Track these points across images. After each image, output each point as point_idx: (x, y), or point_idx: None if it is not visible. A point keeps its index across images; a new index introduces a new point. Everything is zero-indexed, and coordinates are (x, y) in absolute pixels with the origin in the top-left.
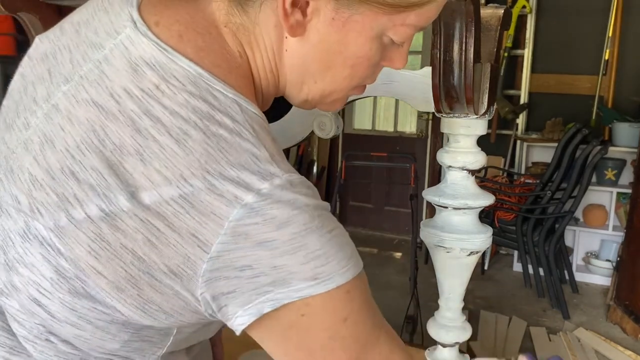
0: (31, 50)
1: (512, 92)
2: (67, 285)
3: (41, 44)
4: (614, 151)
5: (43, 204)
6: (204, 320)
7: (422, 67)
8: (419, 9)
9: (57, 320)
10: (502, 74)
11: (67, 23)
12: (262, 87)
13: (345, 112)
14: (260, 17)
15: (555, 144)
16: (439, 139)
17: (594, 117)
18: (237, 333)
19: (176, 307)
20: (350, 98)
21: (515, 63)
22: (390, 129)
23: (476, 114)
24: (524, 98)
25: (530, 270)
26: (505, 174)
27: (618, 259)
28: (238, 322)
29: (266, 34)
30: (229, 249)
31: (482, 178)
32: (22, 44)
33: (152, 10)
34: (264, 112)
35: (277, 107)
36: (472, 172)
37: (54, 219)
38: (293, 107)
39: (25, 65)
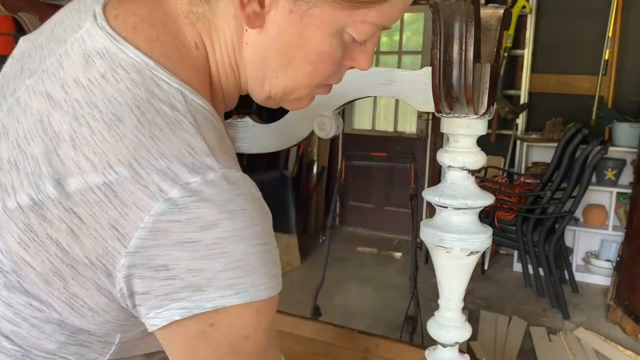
0: (14, 51)
1: (512, 92)
2: (4, 280)
3: (22, 44)
4: (613, 151)
5: None
6: (139, 323)
7: (422, 67)
8: (378, 6)
9: None
10: (502, 74)
11: (47, 23)
12: (221, 81)
13: (345, 112)
14: (219, 7)
15: (555, 144)
16: (438, 139)
17: (593, 117)
18: (149, 330)
19: (101, 303)
20: (350, 98)
21: (515, 63)
22: (390, 129)
23: (476, 114)
24: (524, 98)
25: (530, 270)
26: (505, 174)
27: (618, 259)
28: (150, 322)
29: (226, 25)
30: (147, 245)
31: (482, 178)
32: None
33: (116, 5)
34: (261, 114)
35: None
36: (472, 172)
37: None
38: None
39: (7, 65)
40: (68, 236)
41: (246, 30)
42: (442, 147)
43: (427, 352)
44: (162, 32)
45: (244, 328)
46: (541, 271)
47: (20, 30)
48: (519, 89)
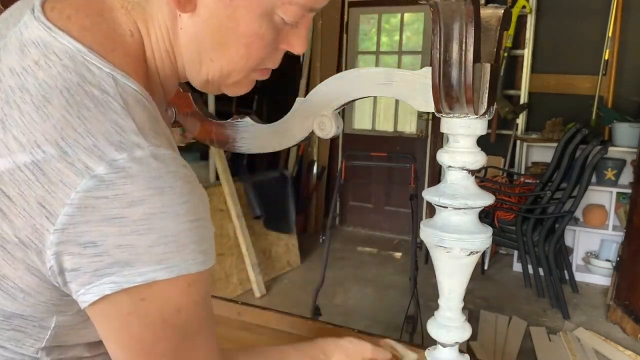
0: None
1: (512, 92)
2: None
3: None
4: (613, 151)
5: None
6: (73, 302)
7: (422, 67)
8: None
9: None
10: (502, 74)
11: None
12: (157, 67)
13: (345, 112)
14: None
15: (555, 144)
16: (438, 139)
17: (593, 117)
18: (81, 307)
19: (32, 283)
20: (350, 98)
21: (515, 63)
22: (390, 129)
23: (476, 114)
24: (523, 98)
25: (530, 270)
26: (505, 174)
27: (618, 258)
28: (81, 299)
29: (160, 12)
30: (75, 221)
31: (482, 178)
32: None
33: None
34: (261, 114)
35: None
36: (472, 172)
37: None
38: (293, 107)
39: None
40: None
41: (179, 15)
42: (442, 147)
43: (427, 352)
44: (97, 21)
45: (176, 301)
46: (541, 271)
47: None
48: (519, 89)
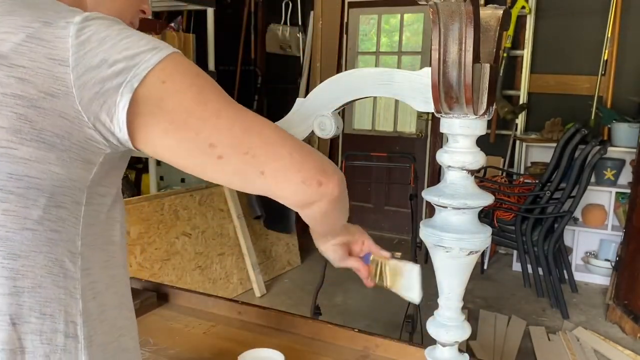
0: None
1: (511, 92)
2: None
3: None
4: (613, 151)
5: None
6: (102, 145)
7: (421, 67)
8: None
9: None
10: (501, 74)
11: None
12: None
13: (345, 112)
14: None
15: (555, 144)
16: (438, 139)
17: (593, 117)
18: (122, 132)
19: (64, 126)
20: (350, 98)
21: (514, 63)
22: (390, 129)
23: (475, 115)
24: (523, 98)
25: (530, 270)
26: (504, 174)
27: (617, 258)
28: (120, 110)
29: None
30: (82, 54)
31: (481, 178)
32: None
33: None
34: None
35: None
36: (472, 172)
37: None
38: (293, 107)
39: None
40: (19, 84)
41: None
42: (441, 147)
43: (426, 352)
44: None
45: (188, 68)
46: (540, 271)
47: None
48: (518, 89)
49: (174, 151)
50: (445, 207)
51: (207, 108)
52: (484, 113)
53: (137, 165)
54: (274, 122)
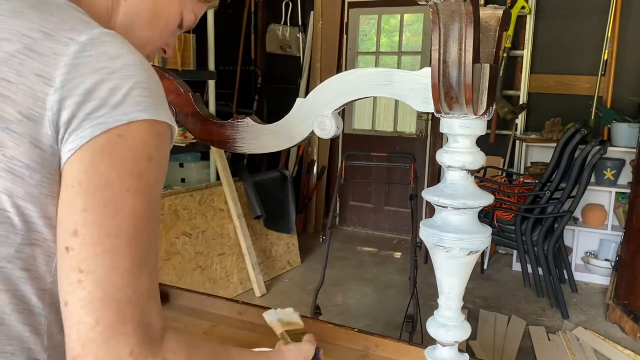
0: None
1: (511, 92)
2: None
3: None
4: (612, 151)
5: None
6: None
7: (421, 67)
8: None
9: None
10: (501, 74)
11: None
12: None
13: (345, 112)
14: None
15: (554, 144)
16: (438, 139)
17: (592, 117)
18: (62, 162)
19: (35, 156)
20: (350, 98)
21: (514, 63)
22: (390, 129)
23: (475, 115)
24: (523, 98)
25: (530, 270)
26: (504, 174)
27: (617, 258)
28: (68, 147)
29: None
30: (71, 77)
31: (481, 178)
32: None
33: None
34: (259, 113)
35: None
36: (472, 172)
37: None
38: (293, 107)
39: None
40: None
41: None
42: (441, 147)
43: (426, 351)
44: None
45: (147, 146)
46: (540, 271)
47: None
48: (518, 89)
49: (72, 209)
50: (445, 207)
51: (125, 194)
52: (484, 113)
53: None
54: (274, 122)
